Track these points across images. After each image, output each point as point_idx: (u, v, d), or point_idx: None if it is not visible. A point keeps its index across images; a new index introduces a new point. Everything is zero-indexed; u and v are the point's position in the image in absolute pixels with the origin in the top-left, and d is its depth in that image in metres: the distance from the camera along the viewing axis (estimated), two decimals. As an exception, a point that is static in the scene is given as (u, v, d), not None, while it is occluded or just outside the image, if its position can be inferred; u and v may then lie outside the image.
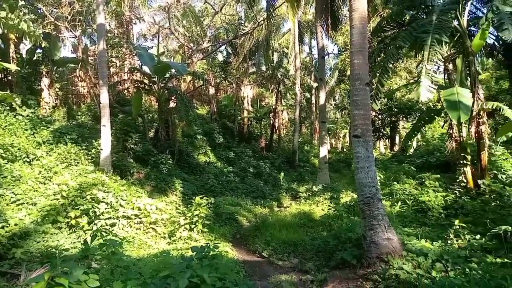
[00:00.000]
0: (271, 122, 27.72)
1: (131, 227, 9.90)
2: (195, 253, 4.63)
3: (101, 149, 12.59)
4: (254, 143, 27.43)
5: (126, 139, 16.11)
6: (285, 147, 29.78)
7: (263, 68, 28.91)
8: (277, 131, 27.89)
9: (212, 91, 26.08)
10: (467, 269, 4.63)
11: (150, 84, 17.60)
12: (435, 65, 10.61)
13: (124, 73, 20.82)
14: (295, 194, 16.70)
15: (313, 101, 34.78)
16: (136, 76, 19.85)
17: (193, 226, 9.93)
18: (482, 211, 8.56)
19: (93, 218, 9.03)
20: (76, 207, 8.93)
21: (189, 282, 3.87)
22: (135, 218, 10.03)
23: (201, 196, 11.31)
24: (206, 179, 17.15)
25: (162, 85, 17.55)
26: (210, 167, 19.53)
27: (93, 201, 9.30)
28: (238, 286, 5.55)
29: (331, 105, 44.05)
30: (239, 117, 27.43)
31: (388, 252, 6.07)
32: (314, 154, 29.70)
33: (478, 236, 6.34)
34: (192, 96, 28.74)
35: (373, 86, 10.88)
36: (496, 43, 14.37)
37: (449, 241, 6.63)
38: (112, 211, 9.70)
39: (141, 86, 17.67)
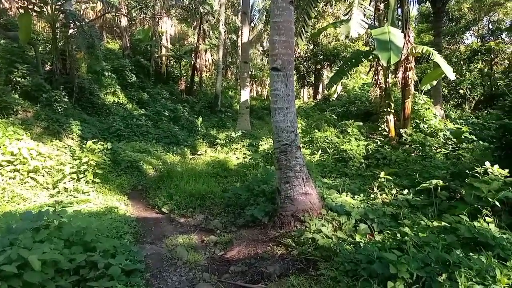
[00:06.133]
0: (193, 62, 25.36)
1: (2, 175, 7.89)
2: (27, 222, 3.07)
3: (-26, 80, 9.99)
4: (173, 85, 25.08)
5: (10, 70, 13.17)
6: (208, 91, 27.92)
7: (186, 1, 25.92)
8: (199, 73, 25.75)
9: (124, 22, 22.79)
10: (399, 234, 3.73)
11: (41, 4, 14.27)
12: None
13: (8, -11, 16.96)
14: (213, 141, 15.37)
15: (239, 44, 32.72)
16: (23, -7, 16.14)
17: (81, 175, 8.20)
18: (405, 161, 8.01)
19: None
20: None
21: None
22: (7, 165, 8.01)
23: (95, 140, 9.47)
24: (111, 122, 14.99)
25: (56, 7, 14.37)
26: (118, 109, 17.23)
27: (-51, 143, 7.18)
28: (114, 257, 4.21)
29: (258, 50, 42.29)
30: (156, 55, 24.63)
31: (305, 209, 5.07)
32: (238, 100, 28.29)
33: (405, 191, 5.60)
34: (102, 27, 25.12)
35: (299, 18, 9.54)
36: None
37: (372, 195, 5.85)
38: (-24, 156, 7.65)
39: (29, 6, 14.28)
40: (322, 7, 23.72)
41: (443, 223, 3.85)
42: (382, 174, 5.87)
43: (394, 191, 5.73)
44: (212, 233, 5.91)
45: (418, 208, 5.15)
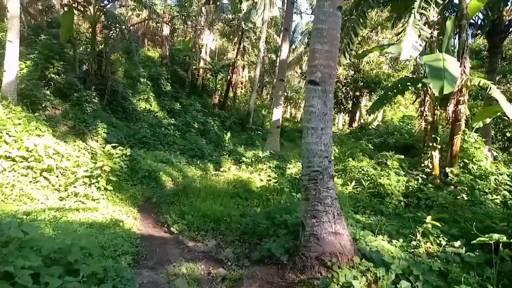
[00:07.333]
0: (229, 77, 25.07)
1: (14, 171, 7.49)
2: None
3: (4, 71, 10.01)
4: (207, 98, 24.84)
5: (46, 66, 13.22)
6: (241, 108, 27.47)
7: (230, 16, 25.88)
8: (234, 88, 25.43)
9: (167, 31, 22.91)
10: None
11: (85, 3, 14.38)
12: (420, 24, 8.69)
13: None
14: (239, 159, 14.68)
15: (277, 64, 32.33)
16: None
17: (93, 180, 7.67)
18: (452, 205, 6.95)
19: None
20: None
21: None
22: (21, 161, 7.64)
23: (114, 145, 9.02)
24: (139, 128, 14.67)
25: (99, 7, 14.46)
26: (148, 116, 17.00)
27: (-37, 132, 6.93)
28: (101, 283, 3.53)
29: (297, 72, 41.85)
30: (194, 67, 24.56)
31: (333, 252, 4.20)
32: (270, 120, 27.63)
33: (457, 243, 4.61)
34: (144, 34, 25.48)
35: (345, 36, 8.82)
36: (484, 22, 12.94)
37: (413, 242, 4.89)
38: (-9, 148, 7.35)
39: (73, 4, 14.45)
40: (367, 33, 22.95)
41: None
42: (428, 218, 4.91)
43: (442, 242, 4.74)
44: (222, 264, 5.11)
45: (472, 267, 4.17)
